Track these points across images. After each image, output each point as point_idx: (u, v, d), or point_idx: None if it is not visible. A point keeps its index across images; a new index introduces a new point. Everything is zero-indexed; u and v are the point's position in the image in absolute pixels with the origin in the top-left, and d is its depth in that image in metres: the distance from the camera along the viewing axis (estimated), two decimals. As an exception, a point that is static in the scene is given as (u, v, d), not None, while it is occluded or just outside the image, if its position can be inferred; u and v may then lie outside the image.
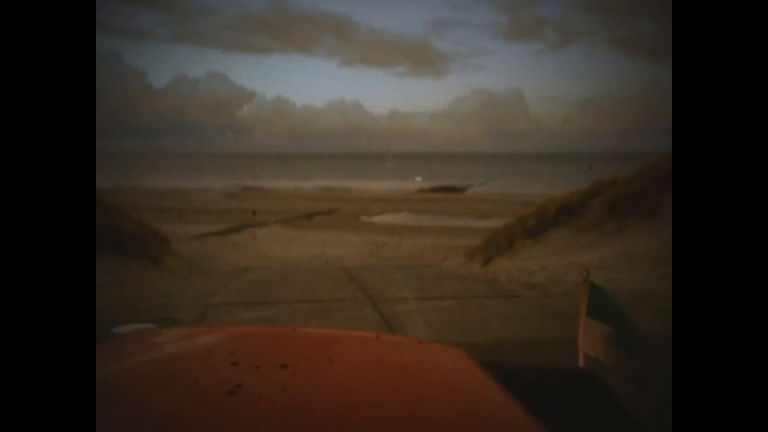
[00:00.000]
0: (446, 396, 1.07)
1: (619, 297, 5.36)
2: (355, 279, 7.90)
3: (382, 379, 1.12)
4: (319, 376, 1.07)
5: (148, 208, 23.85)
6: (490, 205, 32.15)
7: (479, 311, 5.54)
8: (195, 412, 0.89)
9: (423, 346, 1.41)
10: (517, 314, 5.47)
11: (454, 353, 1.35)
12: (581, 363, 2.49)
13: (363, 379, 1.10)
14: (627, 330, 2.49)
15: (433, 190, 49.84)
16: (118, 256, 7.60)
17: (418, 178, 67.65)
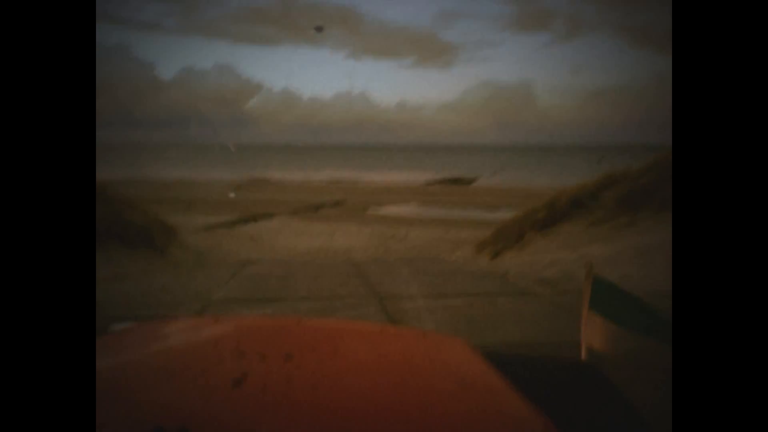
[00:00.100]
0: (449, 387, 1.07)
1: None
2: (361, 274, 7.76)
3: (386, 370, 1.13)
4: (324, 367, 1.08)
5: (157, 199, 23.92)
6: (498, 197, 31.91)
7: (490, 310, 5.38)
8: (201, 403, 0.89)
9: (426, 337, 1.41)
10: (530, 313, 5.29)
11: (457, 344, 1.35)
12: (583, 356, 2.45)
13: (367, 370, 1.11)
14: (642, 320, 2.40)
15: (441, 182, 49.57)
16: (122, 247, 7.55)
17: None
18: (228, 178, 50.23)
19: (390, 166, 78.81)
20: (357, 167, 74.59)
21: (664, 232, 7.41)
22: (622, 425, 1.25)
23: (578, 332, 2.42)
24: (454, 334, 1.52)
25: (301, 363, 1.07)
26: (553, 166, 71.96)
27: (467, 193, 37.47)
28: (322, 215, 25.78)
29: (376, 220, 23.28)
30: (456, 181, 49.84)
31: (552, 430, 0.95)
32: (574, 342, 2.18)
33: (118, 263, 6.90)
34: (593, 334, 2.49)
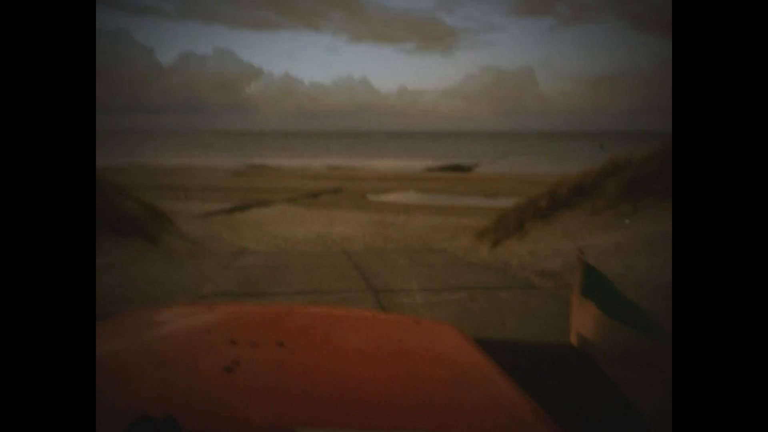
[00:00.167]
0: (439, 372, 1.08)
1: (642, 289, 5.06)
2: (358, 265, 7.50)
3: (377, 356, 1.13)
4: (315, 354, 1.08)
5: (154, 185, 23.77)
6: (498, 185, 31.79)
7: (492, 305, 5.13)
8: (193, 390, 0.89)
9: (418, 324, 1.41)
10: (533, 309, 5.01)
11: (448, 331, 1.36)
12: (574, 342, 2.43)
13: (359, 357, 1.11)
14: (626, 312, 2.40)
15: (441, 169, 49.37)
16: (113, 237, 7.34)
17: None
18: (227, 165, 50.05)
19: (390, 152, 78.62)
20: (356, 154, 74.40)
21: (669, 222, 7.24)
22: (611, 410, 1.25)
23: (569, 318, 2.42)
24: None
25: (292, 350, 1.07)
26: (554, 152, 71.68)
27: (467, 180, 37.28)
28: (321, 202, 25.67)
29: (375, 208, 23.18)
30: (456, 168, 49.61)
31: (542, 416, 0.95)
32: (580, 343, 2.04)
33: (108, 253, 6.67)
34: (584, 320, 2.47)
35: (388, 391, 0.96)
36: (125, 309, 1.58)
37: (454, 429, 0.88)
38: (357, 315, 1.52)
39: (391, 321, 1.50)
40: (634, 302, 2.49)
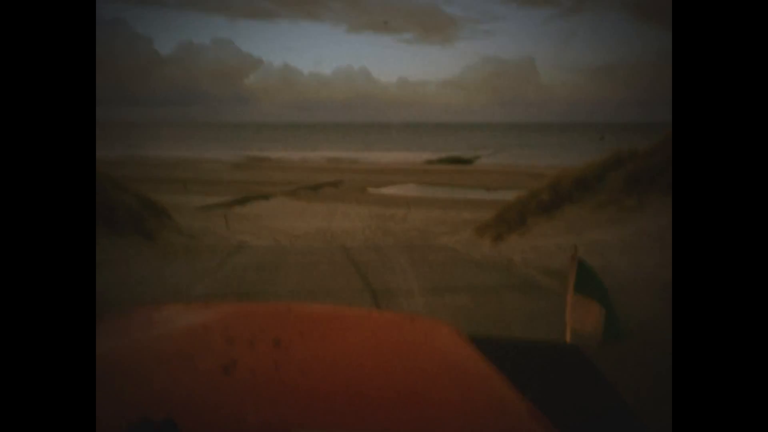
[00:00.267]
0: (435, 370, 1.09)
1: (650, 287, 4.91)
2: (356, 263, 7.26)
3: (374, 354, 1.14)
4: (312, 352, 1.09)
5: (153, 178, 23.62)
6: (499, 177, 31.65)
7: (496, 308, 4.86)
8: (191, 388, 0.90)
9: (414, 322, 1.42)
10: (540, 312, 4.67)
11: (443, 329, 1.37)
12: (568, 338, 2.52)
13: (355, 355, 1.11)
14: (607, 309, 2.56)
15: (441, 161, 49.18)
16: (107, 232, 7.17)
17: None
18: (227, 157, 49.86)
19: (390, 144, 78.30)
20: (356, 146, 74.13)
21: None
22: (606, 408, 1.26)
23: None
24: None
25: (289, 349, 1.07)
26: (555, 144, 71.39)
27: (467, 173, 37.11)
28: (321, 195, 25.55)
29: (375, 201, 23.08)
30: (456, 161, 49.40)
31: (536, 414, 0.96)
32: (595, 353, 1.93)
33: (101, 250, 6.51)
34: (578, 316, 2.57)
35: (383, 389, 0.96)
36: (113, 310, 1.53)
37: (449, 427, 0.88)
38: (353, 313, 1.51)
39: (387, 319, 1.50)
40: (610, 303, 2.60)
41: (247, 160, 48.17)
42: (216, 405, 0.84)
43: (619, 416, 1.24)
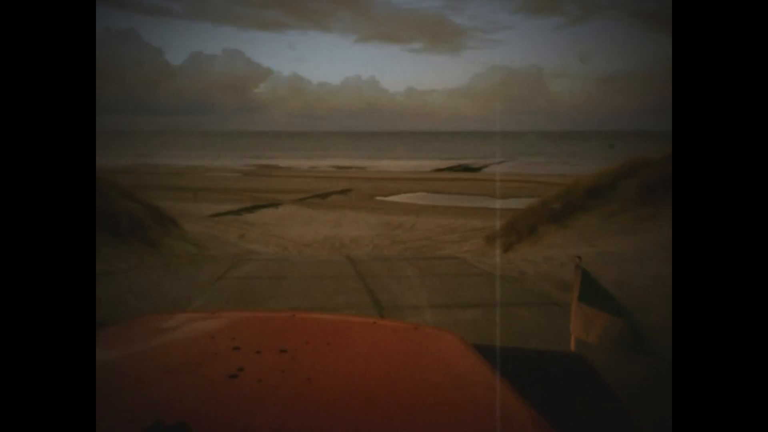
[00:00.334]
0: (439, 379, 1.10)
1: (671, 304, 4.74)
2: (362, 275, 6.94)
3: (379, 362, 1.15)
4: (317, 360, 1.10)
5: (163, 186, 23.71)
6: (507, 186, 31.46)
7: (511, 326, 4.55)
8: (198, 396, 0.91)
9: (418, 330, 1.42)
10: (557, 330, 4.10)
11: (448, 337, 1.38)
12: (572, 347, 2.54)
13: (360, 363, 1.12)
14: (621, 317, 2.53)
15: (449, 169, 49.08)
16: (111, 241, 7.09)
17: None
18: (236, 165, 50.09)
19: (398, 153, 78.34)
20: (365, 154, 74.23)
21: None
22: (609, 416, 1.27)
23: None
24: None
25: (295, 356, 1.09)
26: (565, 152, 71.01)
27: (476, 181, 36.93)
28: (330, 203, 25.51)
29: (383, 209, 22.97)
30: (465, 169, 49.26)
31: (540, 422, 0.97)
32: (622, 385, 1.79)
33: (104, 259, 6.39)
34: (584, 324, 2.58)
35: (388, 397, 0.97)
36: (117, 319, 1.50)
37: None
38: (359, 321, 1.52)
39: (392, 327, 1.51)
40: (626, 308, 2.56)
41: (257, 169, 48.36)
42: (223, 412, 0.85)
43: (621, 423, 1.25)
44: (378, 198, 27.69)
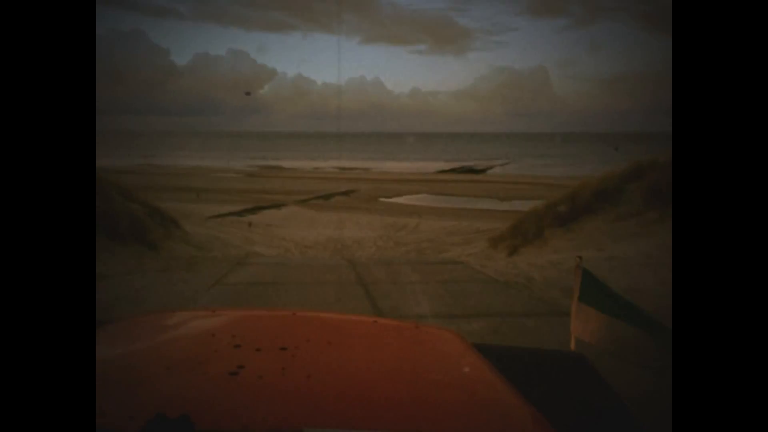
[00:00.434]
0: (440, 377, 1.10)
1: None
2: (364, 281, 6.72)
3: (379, 361, 1.14)
4: (318, 358, 1.11)
5: (167, 187, 23.72)
6: (512, 187, 31.32)
7: (518, 337, 4.33)
8: (199, 393, 0.93)
9: (419, 329, 1.42)
10: (568, 343, 3.99)
11: (448, 336, 1.38)
12: (572, 346, 2.52)
13: (360, 361, 1.13)
14: (627, 317, 2.50)
15: (453, 171, 48.95)
16: (109, 243, 6.98)
17: None
18: (240, 166, 50.15)
19: (402, 154, 78.25)
20: (369, 155, 74.18)
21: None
22: (609, 415, 1.27)
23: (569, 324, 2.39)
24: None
25: (295, 354, 1.09)
26: (569, 154, 70.72)
27: (480, 183, 36.78)
28: (333, 204, 25.44)
29: (387, 210, 22.88)
30: (469, 170, 49.11)
31: (539, 420, 0.96)
32: (637, 397, 1.67)
33: (102, 262, 6.27)
34: (584, 325, 2.57)
35: (388, 395, 0.97)
36: (118, 318, 1.48)
37: (452, 431, 0.89)
38: (359, 320, 1.52)
39: (392, 326, 1.51)
40: (633, 304, 2.51)
41: (261, 169, 48.38)
42: (224, 409, 0.86)
43: (621, 422, 1.25)
44: (382, 199, 27.61)
